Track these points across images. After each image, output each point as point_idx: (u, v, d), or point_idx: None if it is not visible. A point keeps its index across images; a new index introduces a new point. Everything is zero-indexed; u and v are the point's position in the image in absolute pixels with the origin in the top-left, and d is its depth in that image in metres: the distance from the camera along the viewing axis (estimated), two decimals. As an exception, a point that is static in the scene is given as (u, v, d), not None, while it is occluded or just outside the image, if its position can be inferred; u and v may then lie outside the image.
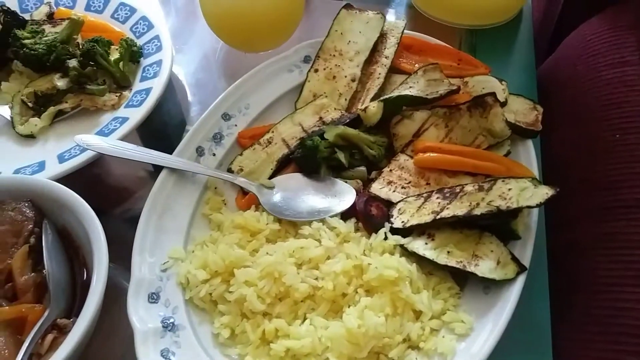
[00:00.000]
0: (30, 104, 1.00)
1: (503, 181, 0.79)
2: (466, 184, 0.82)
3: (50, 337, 0.69)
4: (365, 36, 1.00)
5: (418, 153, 0.87)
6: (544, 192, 0.76)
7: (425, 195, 0.83)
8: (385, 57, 0.99)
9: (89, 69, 1.02)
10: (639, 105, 0.85)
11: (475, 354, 0.70)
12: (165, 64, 1.01)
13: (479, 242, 0.78)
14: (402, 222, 0.81)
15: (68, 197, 0.77)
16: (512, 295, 0.73)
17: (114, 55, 1.04)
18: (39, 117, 0.99)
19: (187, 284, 0.79)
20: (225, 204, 0.89)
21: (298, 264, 0.78)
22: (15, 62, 1.05)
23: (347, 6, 1.02)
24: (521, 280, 0.74)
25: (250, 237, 0.83)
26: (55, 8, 1.13)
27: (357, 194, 0.85)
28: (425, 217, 0.80)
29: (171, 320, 0.76)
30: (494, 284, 0.75)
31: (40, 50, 1.00)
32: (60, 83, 1.00)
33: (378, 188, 0.86)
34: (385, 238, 0.80)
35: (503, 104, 0.88)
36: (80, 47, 1.04)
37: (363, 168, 0.89)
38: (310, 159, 0.88)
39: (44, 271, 0.74)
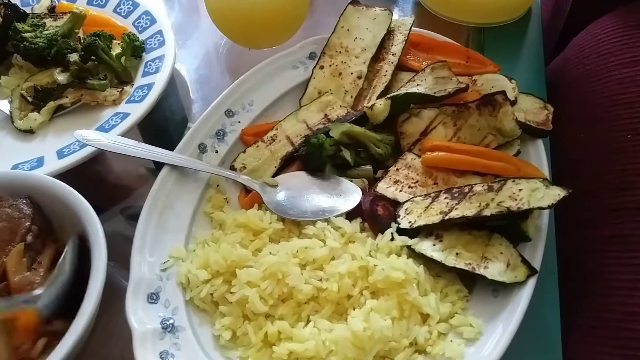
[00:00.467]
0: (29, 99, 0.99)
1: (513, 181, 0.78)
2: (475, 184, 0.80)
3: (42, 340, 0.67)
4: (372, 33, 0.98)
5: (426, 152, 0.86)
6: (556, 193, 0.74)
7: (433, 195, 0.82)
8: (393, 54, 0.97)
9: (90, 64, 1.01)
10: (651, 105, 0.84)
11: (484, 359, 0.68)
12: (168, 59, 1.00)
13: (488, 244, 0.77)
14: (409, 222, 0.79)
15: (66, 194, 0.76)
16: (522, 299, 0.72)
17: (116, 49, 1.03)
18: (39, 112, 0.98)
19: (188, 284, 0.78)
20: (227, 202, 0.88)
21: (302, 264, 0.77)
22: (15, 55, 1.04)
23: (354, 2, 1.01)
24: (532, 283, 0.73)
25: (253, 236, 0.82)
26: (56, 1, 1.13)
27: (362, 193, 0.84)
28: (433, 218, 0.78)
29: (171, 321, 0.74)
30: (503, 287, 0.74)
31: (40, 44, 1.00)
32: (61, 77, 0.99)
33: (384, 187, 0.85)
34: (392, 239, 0.79)
35: (513, 103, 0.87)
36: (82, 41, 1.03)
37: (369, 167, 0.88)
38: (315, 157, 0.87)
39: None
